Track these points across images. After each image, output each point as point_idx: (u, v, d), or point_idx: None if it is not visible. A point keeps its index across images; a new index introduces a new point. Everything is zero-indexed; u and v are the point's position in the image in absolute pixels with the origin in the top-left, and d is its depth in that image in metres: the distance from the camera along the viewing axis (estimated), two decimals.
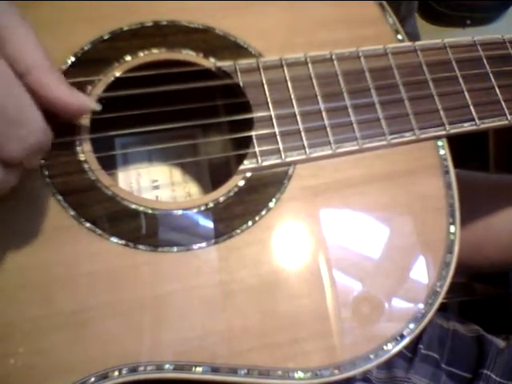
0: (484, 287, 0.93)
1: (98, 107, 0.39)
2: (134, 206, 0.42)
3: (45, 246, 0.40)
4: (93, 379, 0.38)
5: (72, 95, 0.36)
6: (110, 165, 0.50)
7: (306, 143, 0.45)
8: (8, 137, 0.31)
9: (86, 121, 0.43)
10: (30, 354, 0.38)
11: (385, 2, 0.52)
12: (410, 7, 0.62)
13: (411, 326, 0.43)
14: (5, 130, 0.31)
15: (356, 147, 0.46)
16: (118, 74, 0.45)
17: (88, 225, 0.41)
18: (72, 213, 0.41)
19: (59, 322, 0.38)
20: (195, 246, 0.41)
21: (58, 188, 0.41)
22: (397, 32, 0.51)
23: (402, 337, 0.42)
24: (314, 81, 0.47)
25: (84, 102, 0.37)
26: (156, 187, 0.53)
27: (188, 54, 0.47)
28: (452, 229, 0.45)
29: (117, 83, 0.45)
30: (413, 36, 0.58)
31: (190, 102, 0.45)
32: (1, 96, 0.30)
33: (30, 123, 0.32)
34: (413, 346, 0.59)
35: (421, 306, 0.43)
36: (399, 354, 0.43)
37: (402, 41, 0.51)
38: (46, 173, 0.41)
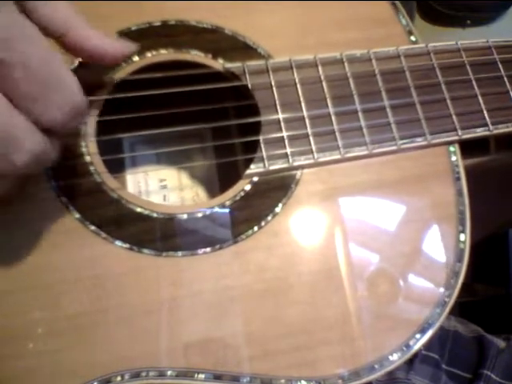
0: (484, 287, 0.92)
1: (136, 47, 0.39)
2: (139, 210, 0.41)
3: (49, 248, 0.39)
4: None
5: (112, 41, 0.37)
6: (117, 166, 0.50)
7: (314, 147, 0.44)
8: (48, 102, 0.31)
9: (92, 122, 0.43)
10: (34, 357, 0.38)
11: (398, 2, 0.51)
12: (409, 7, 0.61)
13: (418, 335, 0.42)
14: (44, 96, 0.31)
15: (365, 152, 0.45)
16: (125, 75, 0.44)
17: (93, 228, 0.40)
18: (77, 215, 0.40)
19: (63, 325, 0.38)
20: (200, 251, 0.41)
21: (64, 190, 0.41)
22: (410, 33, 0.50)
23: (408, 347, 0.42)
24: (324, 83, 0.46)
25: (123, 45, 0.38)
26: (164, 187, 0.52)
27: (196, 55, 0.46)
28: (462, 237, 0.44)
29: (124, 84, 0.44)
30: None
31: (198, 103, 0.44)
32: (37, 62, 0.31)
33: (66, 88, 0.32)
34: None
35: (428, 315, 0.42)
36: None
37: (415, 42, 0.50)
38: (52, 175, 0.41)
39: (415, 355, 0.57)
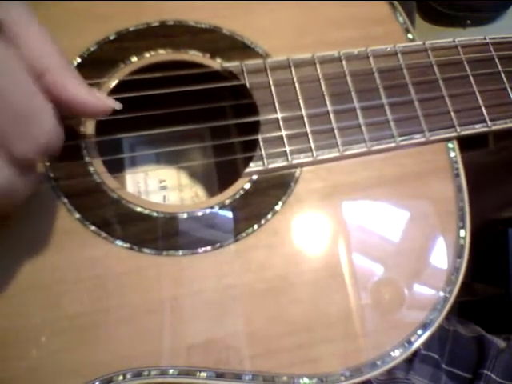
0: (484, 287, 0.92)
1: (118, 106, 0.38)
2: (138, 209, 0.41)
3: (50, 249, 0.39)
4: (97, 383, 0.37)
5: (91, 95, 0.35)
6: (117, 166, 0.50)
7: (313, 145, 0.44)
8: (20, 135, 0.30)
9: (91, 122, 0.43)
10: (36, 357, 0.37)
11: (395, 1, 0.52)
12: (409, 8, 0.61)
13: (419, 332, 0.42)
14: (17, 128, 0.30)
15: (364, 149, 0.45)
16: (123, 76, 0.44)
17: (93, 228, 0.40)
18: (77, 216, 0.40)
19: (64, 325, 0.38)
20: (200, 250, 0.41)
21: (64, 191, 0.41)
22: (407, 31, 0.50)
23: (410, 343, 0.42)
24: (322, 81, 0.46)
25: (104, 101, 0.36)
26: (163, 187, 0.53)
27: (194, 55, 0.47)
28: (462, 233, 0.44)
29: (123, 84, 0.44)
30: None
31: (197, 102, 0.44)
32: (13, 93, 0.29)
33: (42, 121, 0.31)
34: None
35: (429, 312, 0.42)
36: None
37: (412, 40, 0.50)
38: (52, 175, 0.41)
39: (415, 355, 0.57)
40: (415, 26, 0.51)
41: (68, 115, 0.34)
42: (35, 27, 0.32)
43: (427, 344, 0.56)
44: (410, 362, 0.57)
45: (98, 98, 0.35)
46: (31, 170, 0.33)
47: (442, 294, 0.43)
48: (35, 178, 0.34)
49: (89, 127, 0.43)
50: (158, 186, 0.53)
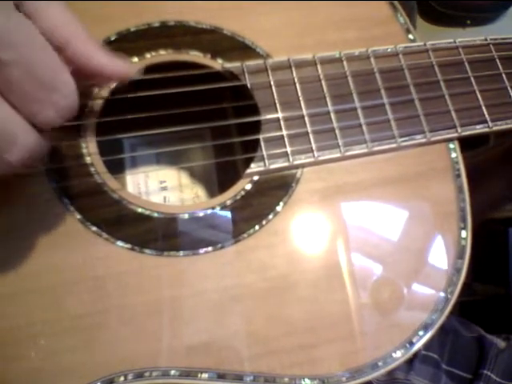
0: (484, 287, 0.92)
1: (139, 74, 0.38)
2: (140, 210, 0.41)
3: (51, 250, 0.39)
4: None
5: (114, 61, 0.36)
6: (117, 166, 0.50)
7: (314, 146, 0.44)
8: (43, 101, 0.31)
9: (92, 122, 0.43)
10: (37, 358, 0.37)
11: (396, 2, 0.52)
12: (409, 8, 0.61)
13: (420, 332, 0.42)
14: (41, 96, 0.31)
15: (365, 150, 0.45)
16: None
17: (94, 229, 0.40)
18: (78, 216, 0.40)
19: (66, 326, 0.38)
20: (201, 251, 0.41)
21: (65, 192, 0.41)
22: (408, 31, 0.50)
23: (411, 344, 0.42)
24: (323, 82, 0.46)
25: (126, 67, 0.37)
26: (164, 188, 0.52)
27: (195, 55, 0.46)
28: (463, 234, 0.44)
29: (124, 85, 0.44)
30: None
31: (197, 103, 0.44)
32: (35, 61, 0.30)
33: (62, 88, 0.32)
34: None
35: (431, 312, 0.42)
36: None
37: (413, 40, 0.50)
38: (53, 176, 0.41)
39: (415, 355, 0.57)
40: (416, 27, 0.51)
41: (90, 81, 0.36)
42: (57, 3, 0.33)
43: (427, 344, 0.56)
44: (410, 362, 0.57)
45: (121, 65, 0.36)
46: (48, 134, 0.34)
47: (443, 294, 0.43)
48: (51, 137, 0.34)
49: (90, 128, 0.42)
50: (159, 186, 0.53)
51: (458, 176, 0.46)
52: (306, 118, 0.45)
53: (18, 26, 0.30)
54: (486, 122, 0.47)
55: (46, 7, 0.32)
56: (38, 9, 0.32)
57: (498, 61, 0.49)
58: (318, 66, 0.47)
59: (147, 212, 0.41)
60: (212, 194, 0.53)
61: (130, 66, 0.37)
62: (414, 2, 0.69)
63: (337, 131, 0.45)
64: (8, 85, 0.30)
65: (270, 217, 0.43)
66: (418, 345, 0.42)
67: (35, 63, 0.30)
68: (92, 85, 0.43)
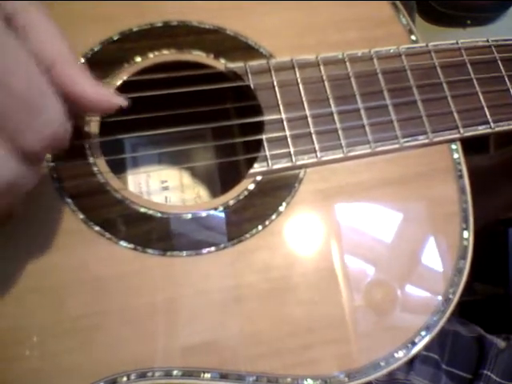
0: (484, 287, 0.92)
1: (125, 102, 0.36)
2: (142, 210, 0.41)
3: (54, 249, 0.39)
4: None
5: (98, 90, 0.34)
6: (119, 166, 0.50)
7: (317, 146, 0.44)
8: (28, 126, 0.29)
9: (95, 123, 0.43)
10: (39, 358, 0.37)
11: (398, 2, 0.52)
12: (409, 8, 0.61)
13: (423, 333, 0.42)
14: (25, 119, 0.29)
15: (368, 151, 0.45)
16: (126, 77, 0.44)
17: (97, 228, 0.40)
18: (81, 216, 0.40)
19: (69, 326, 0.38)
20: (204, 251, 0.41)
21: (68, 191, 0.41)
22: (410, 32, 0.51)
23: (414, 344, 0.42)
24: (326, 82, 0.46)
25: (111, 97, 0.35)
26: (165, 188, 0.52)
27: (198, 55, 0.46)
28: (465, 234, 0.45)
29: (127, 85, 0.44)
30: None
31: (200, 103, 0.44)
32: (23, 84, 0.29)
33: (50, 113, 0.30)
34: None
35: (433, 312, 0.42)
36: None
37: (415, 41, 0.50)
38: (56, 176, 0.41)
39: (415, 356, 0.57)
40: (415, 27, 0.51)
41: (74, 111, 0.33)
42: (45, 21, 0.32)
43: (427, 345, 0.57)
44: (410, 362, 0.57)
45: (105, 94, 0.34)
46: (36, 163, 0.32)
47: (445, 295, 0.43)
48: (38, 174, 0.33)
49: (93, 127, 0.42)
50: (160, 186, 0.53)
51: (461, 177, 0.46)
52: (309, 119, 0.45)
53: (7, 49, 0.28)
54: (488, 122, 0.47)
55: (35, 24, 0.31)
56: (28, 25, 0.31)
57: (499, 62, 0.49)
58: (321, 67, 0.47)
59: (150, 212, 0.41)
60: (214, 194, 0.53)
61: (115, 97, 0.35)
62: (414, 1, 0.69)
63: (340, 132, 0.45)
64: None
65: (273, 217, 0.43)
66: (420, 345, 0.42)
67: (20, 86, 0.28)
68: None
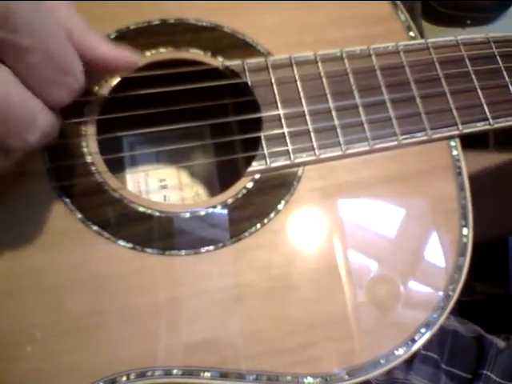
0: (484, 287, 0.92)
1: (139, 60, 0.40)
2: (141, 209, 0.41)
3: (52, 249, 0.39)
4: None
5: (117, 50, 0.37)
6: (117, 165, 0.50)
7: (315, 144, 0.44)
8: (58, 84, 0.33)
9: (92, 121, 0.43)
10: (38, 359, 0.37)
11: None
12: (414, 7, 0.61)
13: (422, 330, 0.42)
14: (58, 80, 0.33)
15: (367, 148, 0.45)
16: (124, 74, 0.44)
17: (95, 228, 0.40)
18: (79, 216, 0.40)
19: (67, 326, 0.38)
20: (203, 249, 0.41)
21: (65, 191, 0.41)
22: (409, 29, 0.50)
23: (413, 341, 0.42)
24: (324, 80, 0.46)
25: (128, 55, 0.38)
26: (164, 187, 0.52)
27: (196, 53, 0.46)
28: (465, 231, 0.44)
29: (124, 83, 0.44)
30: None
31: (198, 101, 0.44)
32: (53, 48, 0.32)
33: (75, 71, 0.34)
34: None
35: (432, 310, 0.42)
36: None
37: (414, 38, 0.50)
38: (53, 175, 0.41)
39: (414, 355, 0.57)
40: (422, 28, 0.51)
41: (94, 71, 0.36)
42: None
43: (427, 344, 0.57)
44: (409, 362, 0.57)
45: (124, 52, 0.37)
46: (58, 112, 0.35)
47: (445, 292, 0.43)
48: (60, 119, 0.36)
49: (90, 126, 0.42)
50: (159, 185, 0.53)
51: (459, 174, 0.46)
52: (307, 116, 0.45)
53: (42, 15, 0.31)
54: (487, 119, 0.47)
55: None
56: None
57: (498, 58, 0.49)
58: (319, 64, 0.46)
59: (148, 211, 0.41)
60: (212, 192, 0.53)
61: (133, 55, 0.38)
62: (419, 2, 0.68)
63: (338, 129, 0.45)
64: (27, 69, 0.31)
65: (272, 215, 0.43)
66: (420, 342, 0.42)
67: (53, 49, 0.32)
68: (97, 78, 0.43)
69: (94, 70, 0.37)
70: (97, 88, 0.43)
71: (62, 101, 0.34)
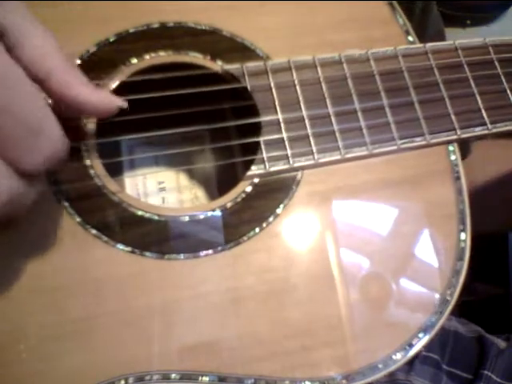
0: (484, 287, 0.92)
1: (125, 104, 0.37)
2: (140, 213, 0.41)
3: (51, 252, 0.39)
4: None
5: (97, 94, 0.34)
6: (116, 168, 0.49)
7: (314, 148, 0.44)
8: (28, 148, 0.30)
9: (91, 125, 0.42)
10: (36, 361, 0.37)
11: (395, 2, 0.52)
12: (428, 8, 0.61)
13: (420, 334, 0.42)
14: (25, 141, 0.30)
15: (365, 152, 0.45)
16: (122, 78, 0.44)
17: (94, 231, 0.40)
18: (78, 219, 0.40)
19: (66, 329, 0.38)
20: (202, 253, 0.41)
21: (64, 194, 0.41)
22: (407, 33, 0.51)
23: (411, 346, 0.42)
24: (323, 84, 0.46)
25: (110, 100, 0.35)
26: (162, 189, 0.52)
27: (195, 57, 0.46)
28: (462, 236, 0.45)
29: (123, 86, 0.44)
30: (437, 33, 0.56)
31: (196, 104, 0.44)
32: (21, 105, 0.29)
33: (49, 132, 0.31)
34: None
35: (430, 314, 0.43)
36: None
37: (412, 42, 0.50)
38: (52, 179, 0.41)
39: (415, 356, 0.58)
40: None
41: (73, 116, 0.34)
42: (39, 29, 0.32)
43: (428, 345, 0.57)
44: (410, 363, 0.57)
45: (105, 97, 0.35)
46: (38, 180, 0.32)
47: (443, 296, 0.43)
48: (41, 187, 0.34)
49: (89, 129, 0.42)
50: (157, 187, 0.52)
51: (458, 178, 0.46)
52: (306, 120, 0.45)
53: (6, 70, 0.29)
54: (485, 124, 0.47)
55: (30, 36, 0.31)
56: (22, 38, 0.31)
57: (496, 63, 0.49)
58: (318, 68, 0.46)
59: (147, 215, 0.41)
60: (211, 195, 0.53)
61: (115, 99, 0.36)
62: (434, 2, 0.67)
63: (337, 133, 0.45)
64: None
65: (271, 219, 0.43)
66: (418, 347, 0.42)
67: (20, 108, 0.29)
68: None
69: (73, 113, 0.34)
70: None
71: (35, 167, 0.30)
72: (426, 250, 0.44)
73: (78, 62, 0.44)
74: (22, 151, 0.30)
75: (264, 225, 0.43)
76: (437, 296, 0.43)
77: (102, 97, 0.34)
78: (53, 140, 0.31)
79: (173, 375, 0.38)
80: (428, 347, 0.59)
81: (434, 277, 0.44)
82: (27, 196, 0.32)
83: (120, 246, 0.40)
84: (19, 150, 0.30)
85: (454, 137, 0.47)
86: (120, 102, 0.36)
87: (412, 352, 0.42)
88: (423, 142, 0.46)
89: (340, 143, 0.45)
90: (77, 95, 0.33)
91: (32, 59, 0.31)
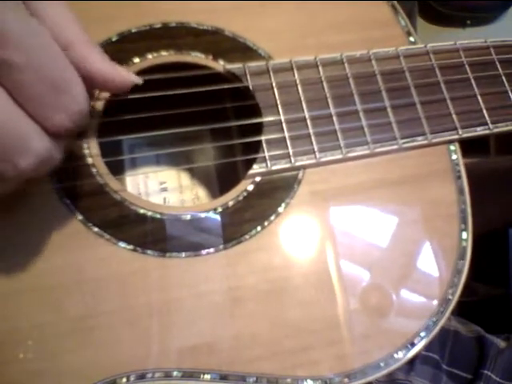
0: (484, 287, 0.92)
1: (140, 81, 0.38)
2: (142, 211, 0.41)
3: (53, 250, 0.39)
4: None
5: (114, 69, 0.35)
6: (117, 167, 0.49)
7: (315, 147, 0.44)
8: (56, 106, 0.31)
9: (94, 123, 0.43)
10: (37, 360, 0.37)
11: (396, 3, 0.52)
12: (410, 8, 0.62)
13: (422, 334, 0.42)
14: (53, 100, 0.31)
15: (367, 151, 0.45)
16: None
17: (96, 229, 0.40)
18: (80, 217, 0.40)
19: (67, 327, 0.38)
20: (203, 252, 0.41)
21: (66, 192, 0.41)
22: (409, 34, 0.51)
23: (413, 345, 0.42)
24: (325, 84, 0.46)
25: (126, 75, 0.36)
26: (164, 189, 0.52)
27: (197, 57, 0.46)
28: (464, 235, 0.45)
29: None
30: None
31: (198, 104, 0.44)
32: (46, 64, 0.30)
33: (75, 91, 0.32)
34: None
35: (432, 313, 0.42)
36: None
37: (414, 43, 0.50)
38: (54, 177, 0.41)
39: (415, 356, 0.57)
40: (417, 28, 0.51)
41: (90, 89, 0.34)
42: (58, 4, 0.33)
43: (428, 345, 0.57)
44: (410, 363, 0.57)
45: (122, 71, 0.36)
46: (63, 139, 0.33)
47: (444, 295, 0.43)
48: (67, 149, 0.35)
49: (91, 129, 0.42)
50: (159, 187, 0.53)
51: (459, 178, 0.46)
52: (308, 120, 0.45)
53: (34, 31, 0.30)
54: (486, 124, 0.47)
55: (49, 8, 0.32)
56: (41, 9, 0.32)
57: (497, 63, 0.50)
58: (320, 68, 0.47)
59: (149, 213, 0.41)
60: (212, 194, 0.53)
61: (131, 75, 0.37)
62: (415, 2, 0.69)
63: (338, 133, 0.45)
64: (20, 88, 0.30)
65: (272, 218, 0.43)
66: (420, 346, 0.42)
67: (47, 67, 0.30)
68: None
69: (91, 86, 0.34)
70: (98, 91, 0.43)
71: (61, 125, 0.31)
72: (428, 250, 0.44)
73: None
74: (48, 109, 0.31)
75: (265, 224, 0.43)
76: (438, 295, 0.43)
77: (119, 71, 0.36)
78: (78, 99, 0.32)
79: (174, 373, 0.38)
80: (428, 347, 0.58)
81: (436, 276, 0.44)
82: (54, 155, 0.33)
83: (122, 244, 0.40)
84: (46, 108, 0.31)
85: (456, 136, 0.47)
86: (136, 78, 0.37)
87: (413, 351, 0.41)
88: (425, 142, 0.46)
89: (341, 142, 0.45)
90: (98, 69, 0.34)
91: (53, 30, 0.31)
